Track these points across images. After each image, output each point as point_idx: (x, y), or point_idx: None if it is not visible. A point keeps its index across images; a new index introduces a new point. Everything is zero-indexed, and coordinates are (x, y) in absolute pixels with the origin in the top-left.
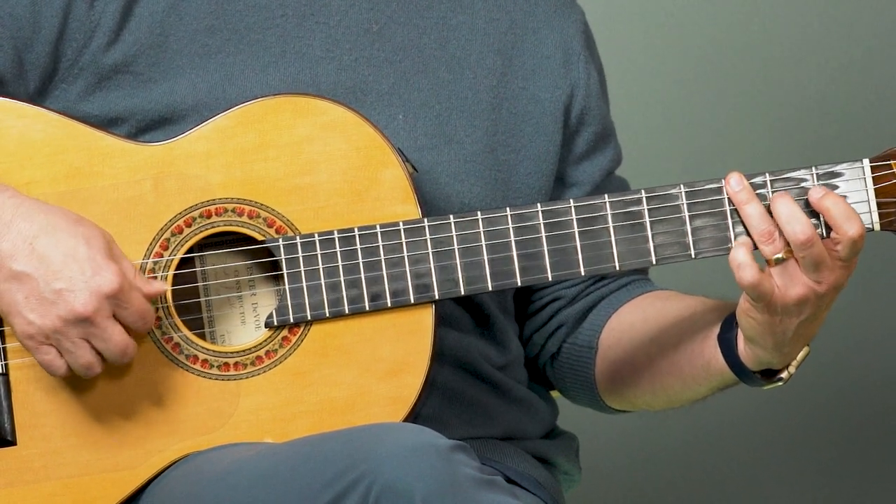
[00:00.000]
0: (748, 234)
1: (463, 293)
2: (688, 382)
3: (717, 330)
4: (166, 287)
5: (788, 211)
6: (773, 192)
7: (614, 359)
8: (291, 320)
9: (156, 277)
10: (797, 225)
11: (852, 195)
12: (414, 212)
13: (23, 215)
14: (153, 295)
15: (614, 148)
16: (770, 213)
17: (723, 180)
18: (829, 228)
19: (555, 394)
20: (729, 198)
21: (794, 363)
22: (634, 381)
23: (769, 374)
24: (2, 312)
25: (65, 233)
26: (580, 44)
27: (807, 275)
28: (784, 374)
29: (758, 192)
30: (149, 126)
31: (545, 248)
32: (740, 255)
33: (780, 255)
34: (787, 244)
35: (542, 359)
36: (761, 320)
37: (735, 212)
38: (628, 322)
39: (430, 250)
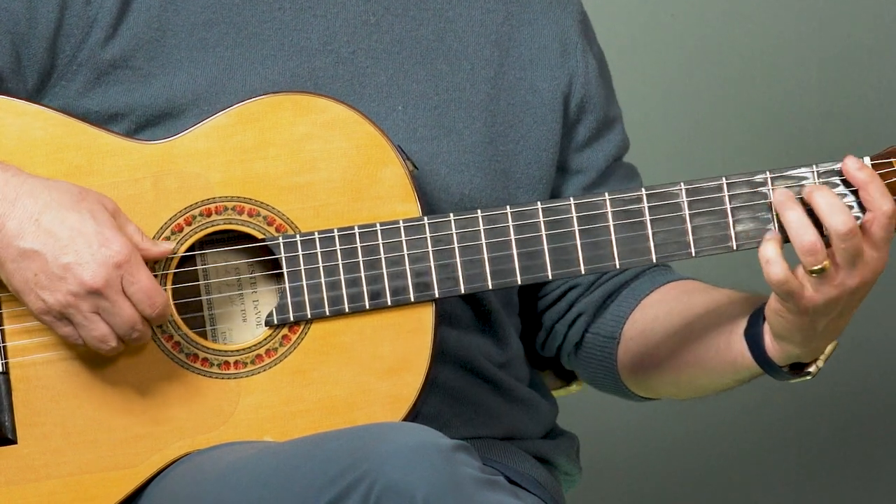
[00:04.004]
0: (781, 231)
1: (463, 291)
2: (713, 376)
3: (743, 325)
4: (173, 245)
5: (827, 202)
6: (774, 189)
7: (638, 351)
8: (291, 319)
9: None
10: (839, 215)
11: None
12: (414, 210)
13: (27, 192)
14: (161, 255)
15: (620, 134)
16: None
17: (723, 178)
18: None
19: (556, 393)
20: (729, 196)
21: (823, 357)
22: (659, 373)
23: (797, 368)
24: (15, 291)
25: (70, 209)
26: (577, 33)
27: (843, 271)
28: (812, 368)
29: (759, 189)
30: (149, 121)
31: (545, 246)
32: (769, 250)
33: (820, 267)
34: (828, 256)
35: (566, 349)
36: (791, 320)
37: (735, 210)
38: (652, 315)
39: (430, 249)
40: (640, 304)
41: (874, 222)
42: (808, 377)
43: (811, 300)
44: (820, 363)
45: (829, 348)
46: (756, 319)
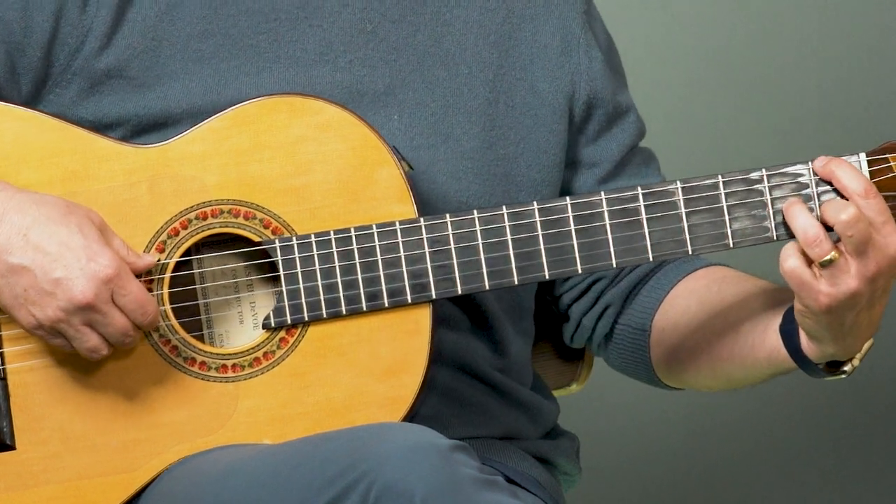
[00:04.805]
0: (784, 228)
1: (460, 292)
2: (749, 370)
3: (778, 320)
4: (157, 258)
5: (827, 198)
6: (770, 186)
7: (671, 343)
8: (289, 321)
9: (152, 280)
10: (838, 206)
11: None
12: (410, 211)
13: (15, 208)
14: (146, 267)
15: (634, 122)
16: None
17: (719, 176)
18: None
19: (556, 393)
20: (725, 194)
21: (858, 356)
22: (693, 366)
23: (833, 365)
24: (5, 307)
25: (58, 223)
26: (580, 25)
27: (856, 260)
28: (847, 367)
29: (755, 187)
30: (143, 131)
31: (542, 246)
32: (789, 244)
33: (829, 257)
34: (835, 245)
35: (596, 341)
36: (816, 318)
37: (731, 208)
38: (684, 306)
39: (426, 250)
40: (669, 294)
41: (859, 205)
42: (844, 376)
43: (829, 295)
44: (856, 362)
45: (865, 347)
46: (791, 315)
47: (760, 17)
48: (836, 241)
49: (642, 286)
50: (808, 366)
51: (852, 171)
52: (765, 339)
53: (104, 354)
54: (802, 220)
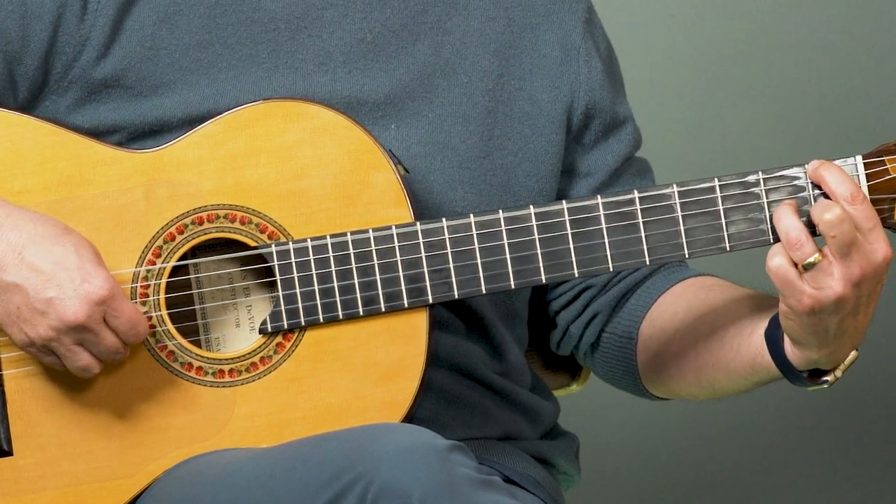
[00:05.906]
0: (776, 236)
1: (457, 297)
2: (733, 377)
3: (763, 326)
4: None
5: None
6: (766, 189)
7: (657, 349)
8: (285, 326)
9: (148, 286)
10: (823, 206)
11: None
12: (406, 215)
13: (11, 225)
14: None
15: (630, 133)
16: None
17: (715, 179)
18: None
19: (556, 393)
20: (722, 197)
21: (842, 367)
22: (679, 373)
23: (815, 375)
24: None
25: (53, 242)
26: (580, 34)
27: (840, 263)
28: (829, 377)
29: (752, 190)
30: (139, 138)
31: (538, 250)
32: (777, 244)
33: (811, 260)
34: (820, 249)
35: (582, 349)
36: (800, 321)
37: (728, 211)
38: (671, 312)
39: (423, 254)
40: (656, 302)
41: (846, 210)
42: (825, 385)
43: (813, 297)
44: (839, 373)
45: (849, 358)
46: (777, 321)
47: (759, 19)
48: (825, 246)
49: (630, 295)
50: (791, 372)
51: (840, 175)
52: (750, 344)
53: (95, 373)
54: (786, 222)
